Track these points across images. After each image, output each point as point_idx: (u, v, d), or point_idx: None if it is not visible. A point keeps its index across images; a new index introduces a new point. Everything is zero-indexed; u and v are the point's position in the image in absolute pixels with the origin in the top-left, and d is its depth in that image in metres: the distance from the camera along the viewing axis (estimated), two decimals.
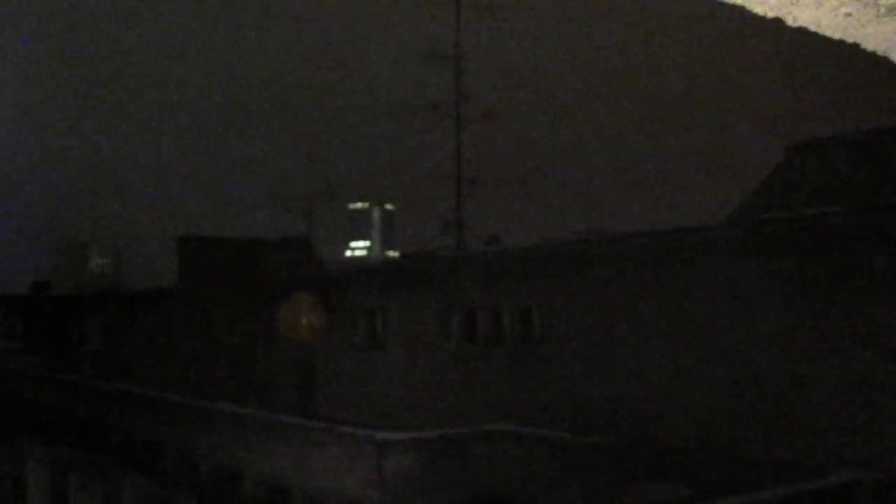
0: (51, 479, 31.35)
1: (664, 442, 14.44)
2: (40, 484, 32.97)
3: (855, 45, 2.19)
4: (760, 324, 14.06)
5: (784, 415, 13.46)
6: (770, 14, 2.09)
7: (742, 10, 2.17)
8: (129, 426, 23.64)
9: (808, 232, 13.91)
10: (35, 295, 52.66)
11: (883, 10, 2.08)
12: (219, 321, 31.83)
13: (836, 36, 2.15)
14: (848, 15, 2.13)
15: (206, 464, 19.05)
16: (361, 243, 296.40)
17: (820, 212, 14.48)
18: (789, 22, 2.11)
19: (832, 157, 21.43)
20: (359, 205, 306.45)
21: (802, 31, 2.07)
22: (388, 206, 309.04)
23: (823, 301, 13.31)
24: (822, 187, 20.19)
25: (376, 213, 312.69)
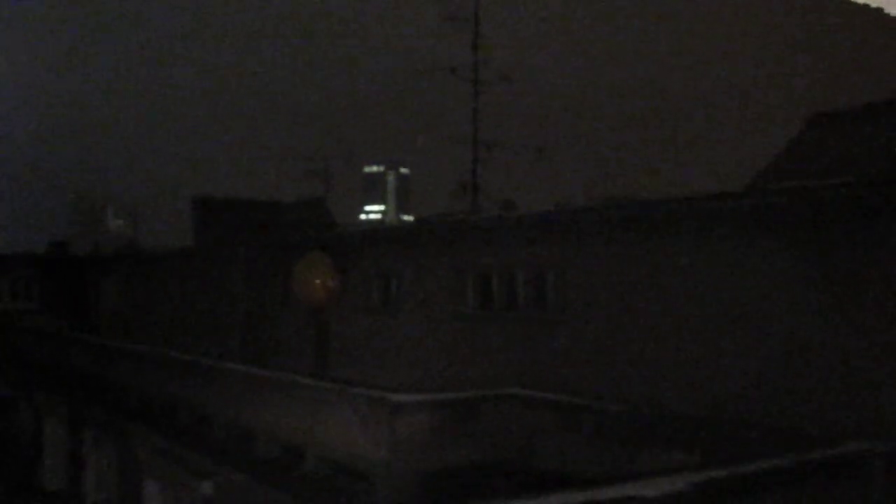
0: (67, 435, 31.74)
1: (676, 409, 14.45)
2: (56, 440, 33.40)
3: (879, 10, 2.12)
4: (773, 292, 14.00)
5: (797, 384, 13.44)
6: None
7: None
8: (143, 385, 23.84)
9: (821, 202, 13.80)
10: (52, 255, 52.90)
11: None
12: (234, 282, 31.97)
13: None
14: None
15: (219, 423, 19.20)
16: (376, 207, 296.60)
17: (833, 182, 14.35)
18: None
19: (852, 127, 21.24)
20: (374, 168, 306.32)
21: None
22: (404, 170, 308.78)
23: (838, 271, 13.23)
24: (841, 158, 20.02)
25: (391, 177, 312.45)
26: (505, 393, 14.69)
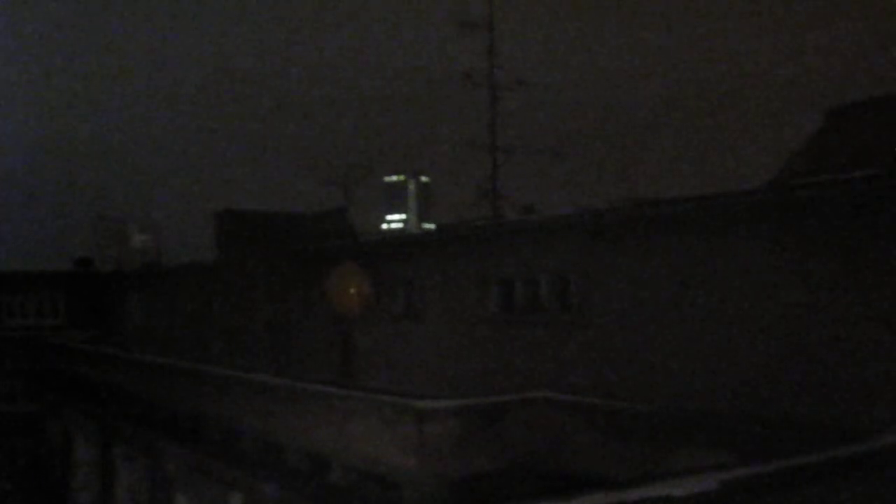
0: (97, 451, 31.92)
1: (704, 408, 14.37)
2: (87, 456, 33.60)
3: None
4: (801, 287, 13.89)
5: (827, 378, 13.32)
6: None
7: None
8: (171, 399, 23.95)
9: (843, 195, 13.69)
10: (78, 271, 53.28)
11: None
12: (258, 293, 32.09)
13: None
14: None
15: (247, 435, 19.25)
16: (398, 216, 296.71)
17: (853, 175, 14.23)
18: None
19: (874, 120, 21.07)
20: (394, 177, 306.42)
21: None
22: (424, 178, 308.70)
23: (866, 264, 13.12)
24: (862, 151, 19.86)
25: (412, 186, 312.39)
26: (531, 396, 14.66)
